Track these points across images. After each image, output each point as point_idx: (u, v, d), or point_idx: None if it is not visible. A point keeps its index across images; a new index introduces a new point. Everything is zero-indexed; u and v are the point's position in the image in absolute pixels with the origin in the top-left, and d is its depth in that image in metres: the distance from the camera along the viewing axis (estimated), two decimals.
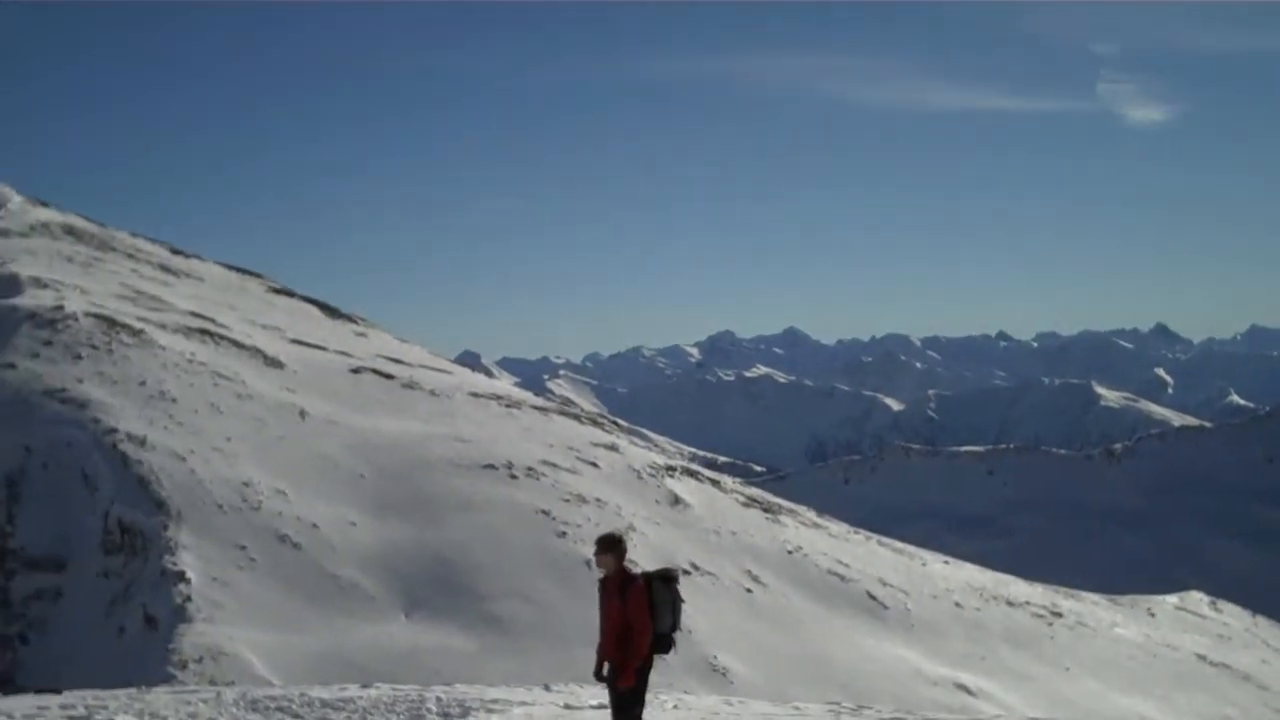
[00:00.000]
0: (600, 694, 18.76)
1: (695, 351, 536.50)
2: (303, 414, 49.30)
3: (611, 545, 10.49)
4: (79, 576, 40.33)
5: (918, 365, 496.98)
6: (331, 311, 77.19)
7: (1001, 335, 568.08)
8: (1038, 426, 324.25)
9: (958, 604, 49.80)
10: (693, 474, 56.22)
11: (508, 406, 58.06)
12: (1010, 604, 52.39)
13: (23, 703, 16.55)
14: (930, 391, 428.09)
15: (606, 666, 10.80)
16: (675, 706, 10.50)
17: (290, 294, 79.89)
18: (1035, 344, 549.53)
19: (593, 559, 10.46)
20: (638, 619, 10.39)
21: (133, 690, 19.15)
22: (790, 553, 48.15)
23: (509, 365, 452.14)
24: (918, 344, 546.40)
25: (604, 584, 10.60)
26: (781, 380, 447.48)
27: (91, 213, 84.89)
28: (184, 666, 31.18)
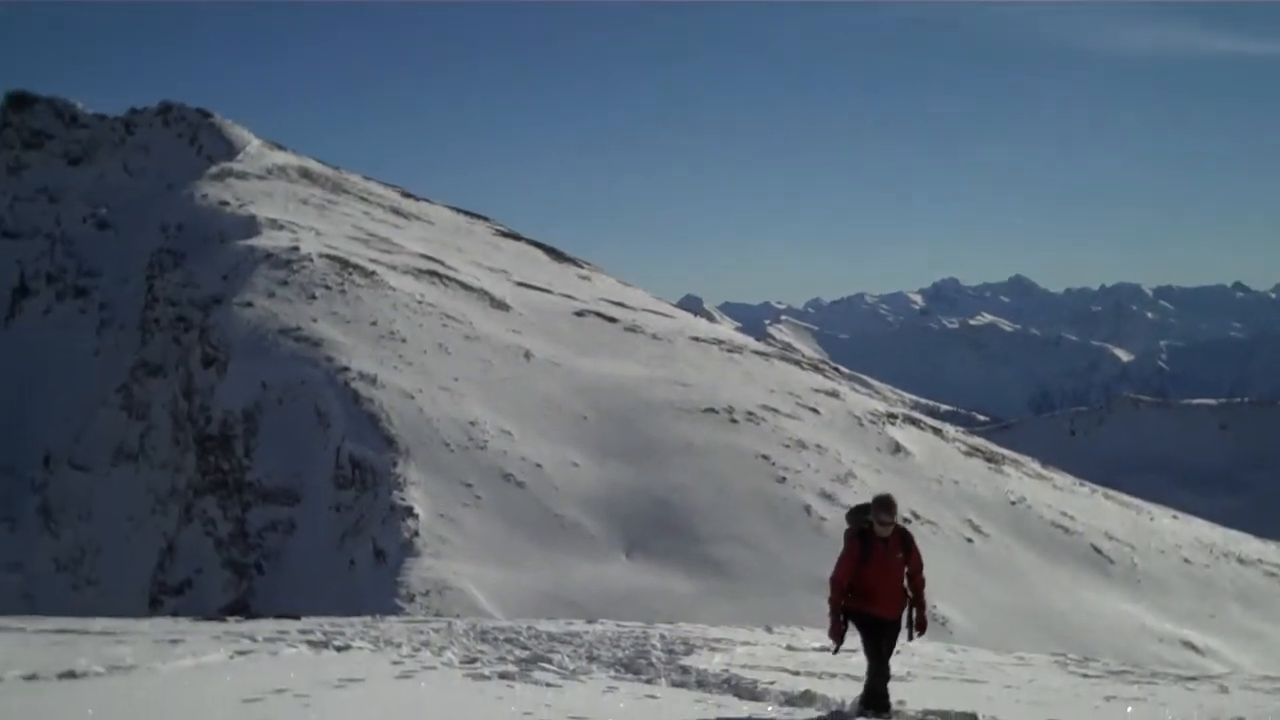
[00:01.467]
0: (820, 637, 19.11)
1: (919, 299, 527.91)
2: (528, 355, 51.13)
3: (894, 507, 10.80)
4: (311, 510, 42.90)
5: (1149, 315, 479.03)
6: (556, 255, 79.30)
7: (1239, 286, 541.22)
8: (1276, 380, 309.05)
9: (1186, 560, 48.60)
10: (914, 422, 56.03)
11: (729, 351, 58.73)
12: (1242, 562, 50.80)
13: (264, 626, 17.50)
14: (1162, 343, 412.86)
15: (849, 620, 11.02)
16: (897, 652, 10.90)
17: (516, 237, 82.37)
18: (1274, 295, 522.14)
19: (875, 520, 10.70)
20: (919, 571, 10.92)
21: (367, 619, 20.17)
22: (1013, 503, 47.71)
23: (731, 310, 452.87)
24: (1149, 294, 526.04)
25: (880, 541, 10.89)
26: (1007, 329, 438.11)
27: (325, 156, 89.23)
28: (411, 599, 32.75)
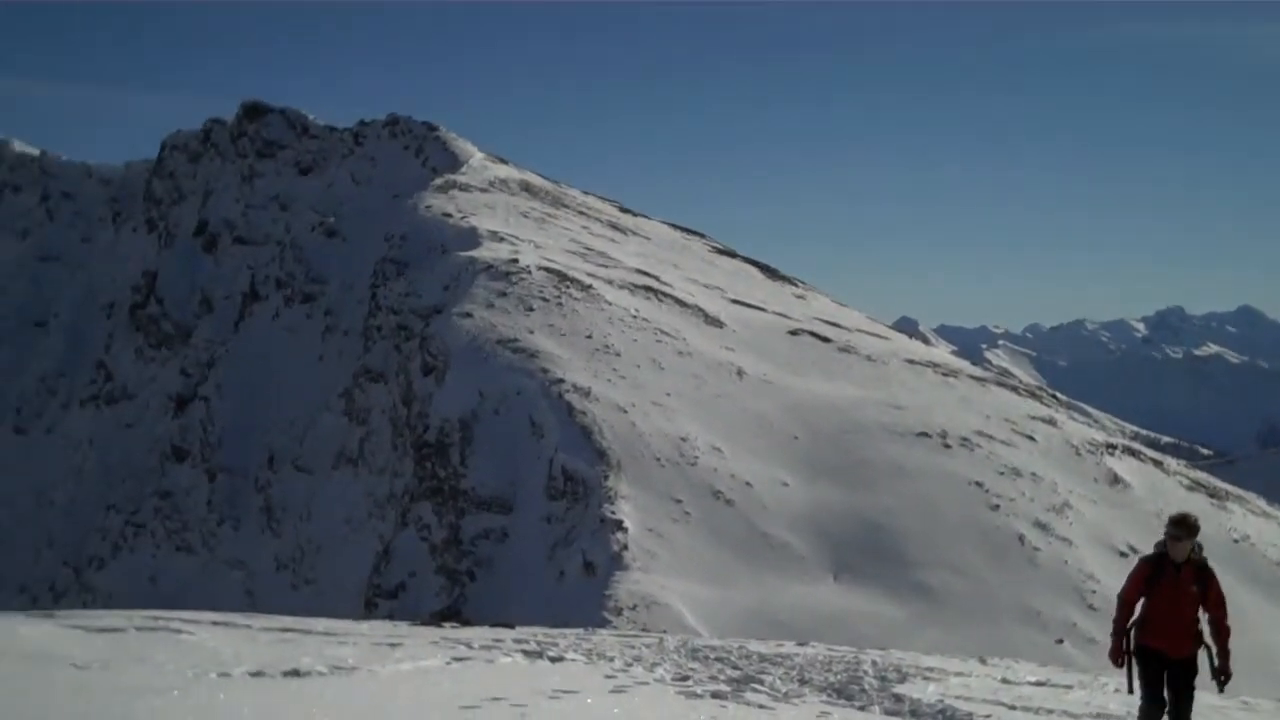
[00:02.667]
0: (1037, 671, 18.85)
1: (1141, 326, 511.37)
2: (740, 373, 51.91)
3: (1194, 530, 10.17)
4: (524, 519, 44.22)
5: None
6: (771, 273, 79.92)
7: None
8: None
9: None
10: (1134, 453, 54.82)
11: (944, 375, 58.35)
12: None
13: (479, 634, 18.01)
14: None
15: (1134, 653, 10.48)
16: (1117, 689, 10.75)
17: (732, 254, 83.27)
18: None
19: (1166, 537, 10.36)
20: (1220, 609, 10.23)
21: (579, 631, 20.71)
22: (1236, 541, 46.29)
23: (947, 333, 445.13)
24: None
25: (1173, 567, 10.28)
26: (1234, 360, 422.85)
27: (545, 170, 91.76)
28: (619, 613, 33.48)
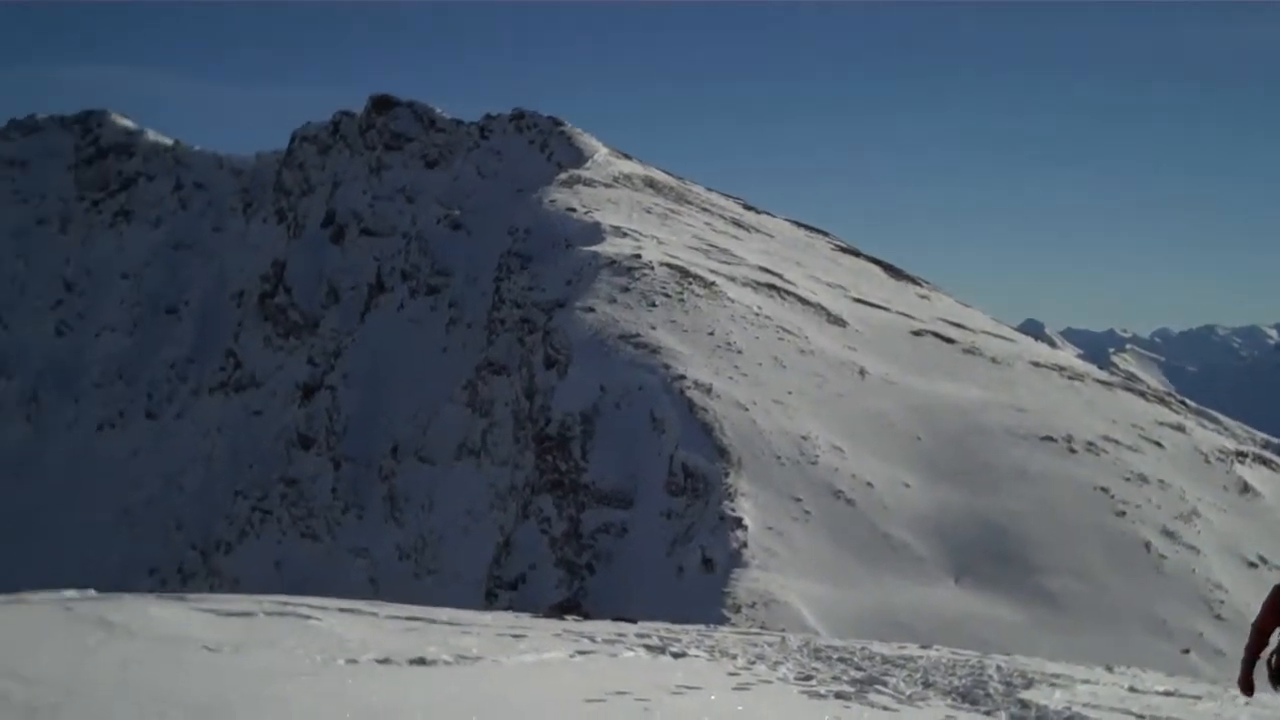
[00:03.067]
0: (1164, 680, 18.57)
1: (1274, 333, 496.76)
2: (862, 372, 51.97)
3: None
4: (643, 514, 44.61)
5: None
6: (895, 273, 79.62)
7: None
8: None
9: None
10: (1265, 462, 53.82)
11: (1070, 378, 57.85)
12: None
13: (602, 627, 18.24)
14: None
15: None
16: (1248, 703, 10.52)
17: (855, 253, 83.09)
18: None
19: None
20: None
21: (700, 627, 20.76)
22: None
23: (1073, 336, 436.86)
24: None
25: None
26: None
27: (670, 165, 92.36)
28: (737, 610, 33.78)
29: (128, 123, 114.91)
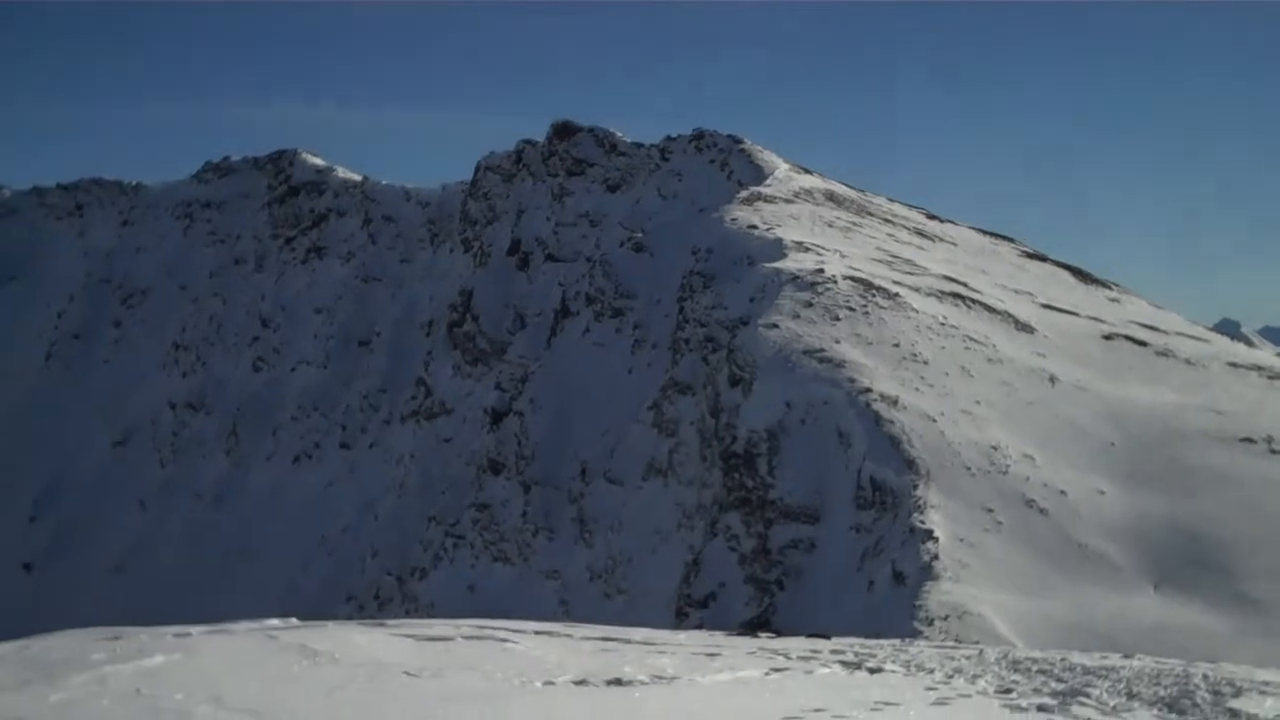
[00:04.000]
0: None
1: None
2: (1052, 379, 51.39)
3: None
4: (832, 529, 44.92)
5: None
6: (1084, 277, 78.34)
7: None
8: None
9: None
10: None
11: (1269, 378, 56.35)
12: None
13: (796, 644, 18.51)
14: None
15: None
16: None
17: (1042, 259, 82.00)
18: None
19: None
20: None
21: (895, 642, 20.84)
22: None
23: (1271, 334, 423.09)
24: None
25: None
26: None
27: (850, 178, 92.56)
28: (930, 623, 33.86)
29: (318, 161, 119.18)
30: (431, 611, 64.43)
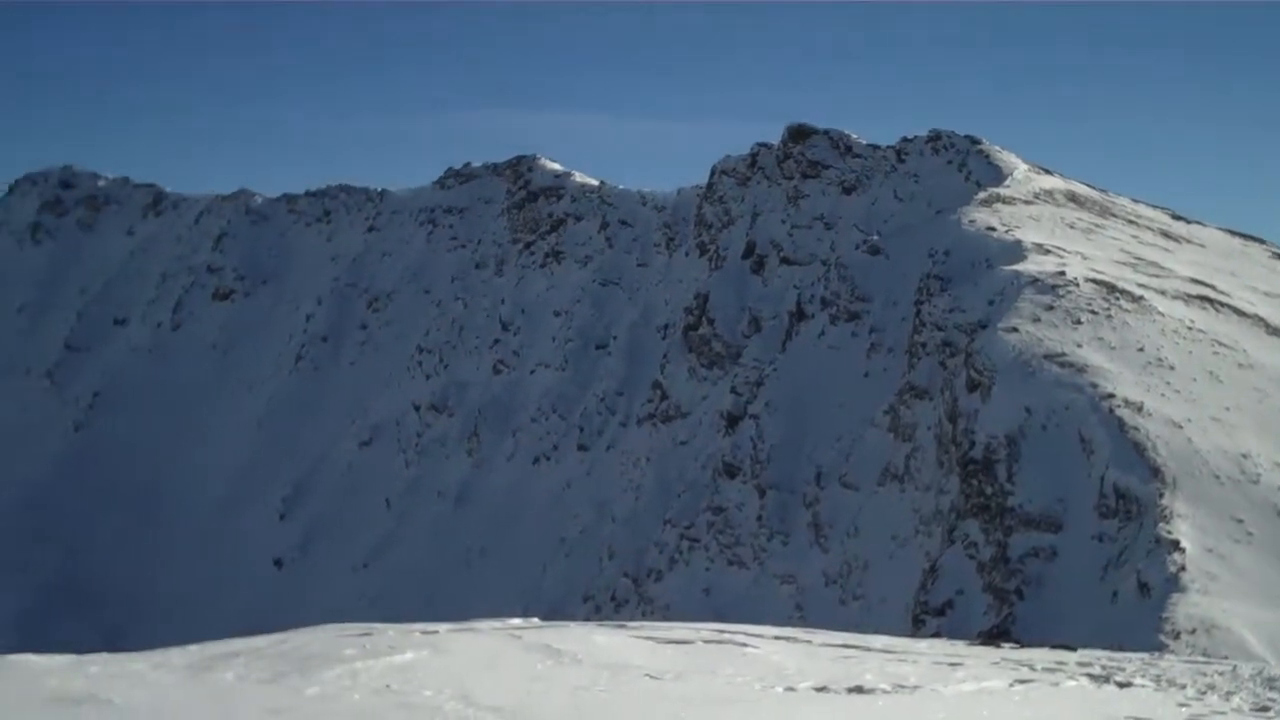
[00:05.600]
0: None
1: None
2: None
3: None
4: (1073, 538, 44.30)
5: None
6: None
7: None
8: None
9: None
10: None
11: None
12: None
13: (1040, 655, 18.40)
14: None
15: None
16: None
17: None
18: None
19: None
20: None
21: (1144, 655, 20.66)
22: None
23: None
24: None
25: None
26: None
27: (1091, 178, 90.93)
28: (1176, 636, 33.47)
29: (556, 166, 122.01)
30: (667, 614, 65.78)
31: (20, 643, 21.88)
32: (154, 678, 13.61)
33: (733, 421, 79.65)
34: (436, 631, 16.75)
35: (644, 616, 67.97)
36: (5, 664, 14.45)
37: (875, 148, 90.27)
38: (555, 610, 69.40)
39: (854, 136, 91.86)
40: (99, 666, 14.41)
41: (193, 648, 16.29)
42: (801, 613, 62.19)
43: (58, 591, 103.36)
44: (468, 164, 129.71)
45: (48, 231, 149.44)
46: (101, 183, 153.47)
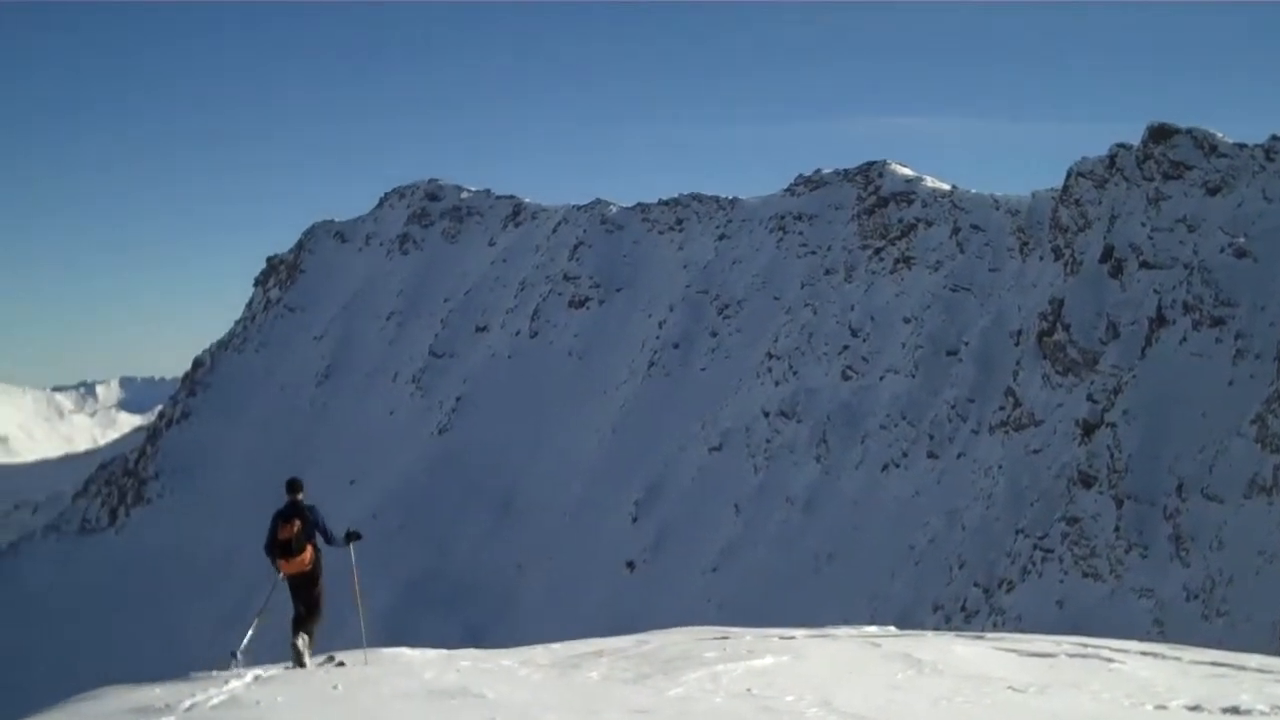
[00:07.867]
0: None
1: None
2: None
3: None
4: None
5: None
6: None
7: None
8: None
9: None
10: None
11: None
12: None
13: None
14: None
15: None
16: None
17: None
18: None
19: None
20: None
21: None
22: None
23: None
24: None
25: None
26: None
27: None
28: None
29: (907, 171, 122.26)
30: (1019, 625, 65.74)
31: (389, 637, 24.22)
32: (522, 674, 14.64)
33: (1089, 430, 78.79)
34: (794, 637, 17.07)
35: (995, 627, 68.11)
36: (384, 657, 15.82)
37: (1242, 146, 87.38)
38: (904, 618, 70.23)
39: (1219, 135, 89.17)
40: (469, 662, 15.63)
41: (556, 645, 17.29)
42: (1161, 628, 61.35)
43: (423, 587, 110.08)
44: (818, 170, 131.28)
45: (414, 242, 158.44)
46: (465, 195, 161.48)
